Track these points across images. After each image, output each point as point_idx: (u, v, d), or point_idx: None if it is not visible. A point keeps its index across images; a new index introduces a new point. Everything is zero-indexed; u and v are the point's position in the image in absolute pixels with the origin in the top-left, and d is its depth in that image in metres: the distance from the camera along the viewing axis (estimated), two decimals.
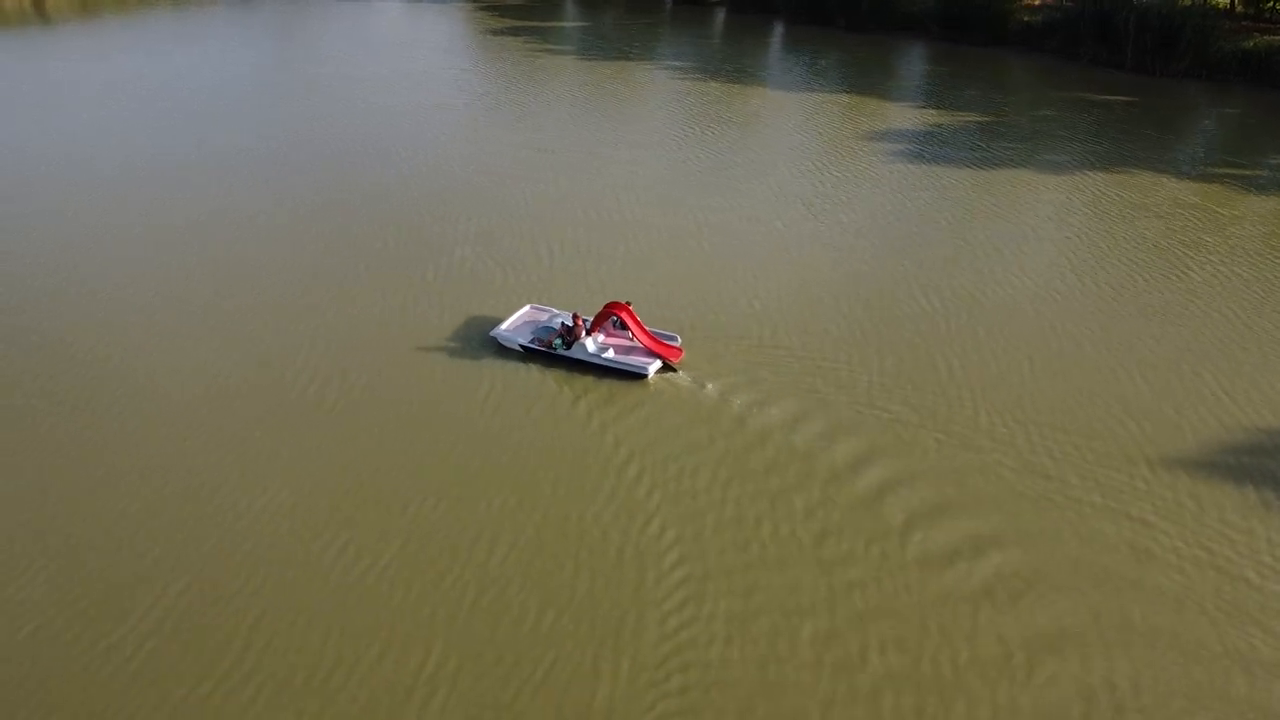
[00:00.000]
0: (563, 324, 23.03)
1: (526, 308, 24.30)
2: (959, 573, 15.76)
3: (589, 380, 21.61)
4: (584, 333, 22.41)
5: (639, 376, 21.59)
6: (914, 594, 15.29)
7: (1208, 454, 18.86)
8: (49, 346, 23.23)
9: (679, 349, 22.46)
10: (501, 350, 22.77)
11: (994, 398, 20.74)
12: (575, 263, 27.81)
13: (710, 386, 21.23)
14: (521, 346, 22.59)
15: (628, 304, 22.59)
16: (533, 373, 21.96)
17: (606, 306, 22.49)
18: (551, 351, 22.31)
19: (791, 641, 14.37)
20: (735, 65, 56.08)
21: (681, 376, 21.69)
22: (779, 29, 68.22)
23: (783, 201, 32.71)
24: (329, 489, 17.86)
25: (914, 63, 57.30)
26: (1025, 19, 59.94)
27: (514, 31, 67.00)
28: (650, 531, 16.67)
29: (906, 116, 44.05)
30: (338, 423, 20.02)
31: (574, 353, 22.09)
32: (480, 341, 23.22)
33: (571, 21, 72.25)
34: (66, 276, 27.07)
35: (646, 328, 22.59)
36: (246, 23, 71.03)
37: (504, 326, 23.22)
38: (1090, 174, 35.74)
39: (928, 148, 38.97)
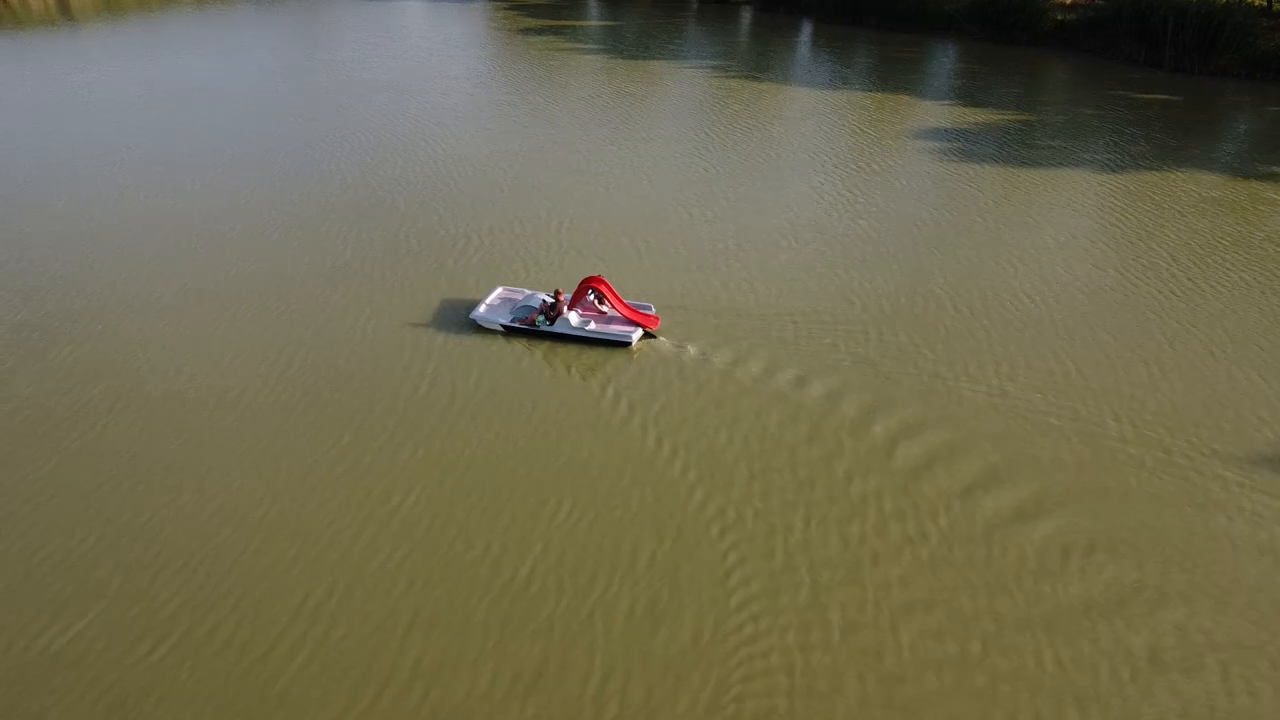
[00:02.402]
0: (544, 301, 23.47)
1: (499, 289, 24.69)
2: (1080, 574, 15.31)
3: (579, 353, 22.19)
4: (565, 308, 22.92)
5: (623, 345, 22.21)
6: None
7: None
8: (53, 347, 22.67)
9: (656, 317, 23.29)
10: (481, 331, 23.13)
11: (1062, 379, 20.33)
12: (561, 246, 27.82)
13: (691, 349, 22.19)
14: (503, 326, 23.00)
15: (602, 277, 23.18)
16: (522, 351, 22.31)
17: (584, 281, 23.01)
18: (535, 329, 22.75)
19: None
20: (764, 65, 55.64)
21: (663, 341, 22.49)
22: (808, 28, 67.86)
23: (815, 192, 32.35)
24: (446, 492, 17.28)
25: (949, 62, 56.94)
26: (1059, 18, 59.74)
27: (536, 31, 66.46)
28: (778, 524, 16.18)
29: (947, 114, 43.64)
30: (403, 421, 19.44)
31: (558, 328, 22.68)
32: (460, 324, 23.48)
33: (595, 21, 71.77)
34: (70, 278, 26.48)
35: (623, 299, 23.36)
36: (266, 22, 70.33)
37: (481, 309, 23.54)
38: (1156, 170, 35.34)
39: (974, 144, 38.55)
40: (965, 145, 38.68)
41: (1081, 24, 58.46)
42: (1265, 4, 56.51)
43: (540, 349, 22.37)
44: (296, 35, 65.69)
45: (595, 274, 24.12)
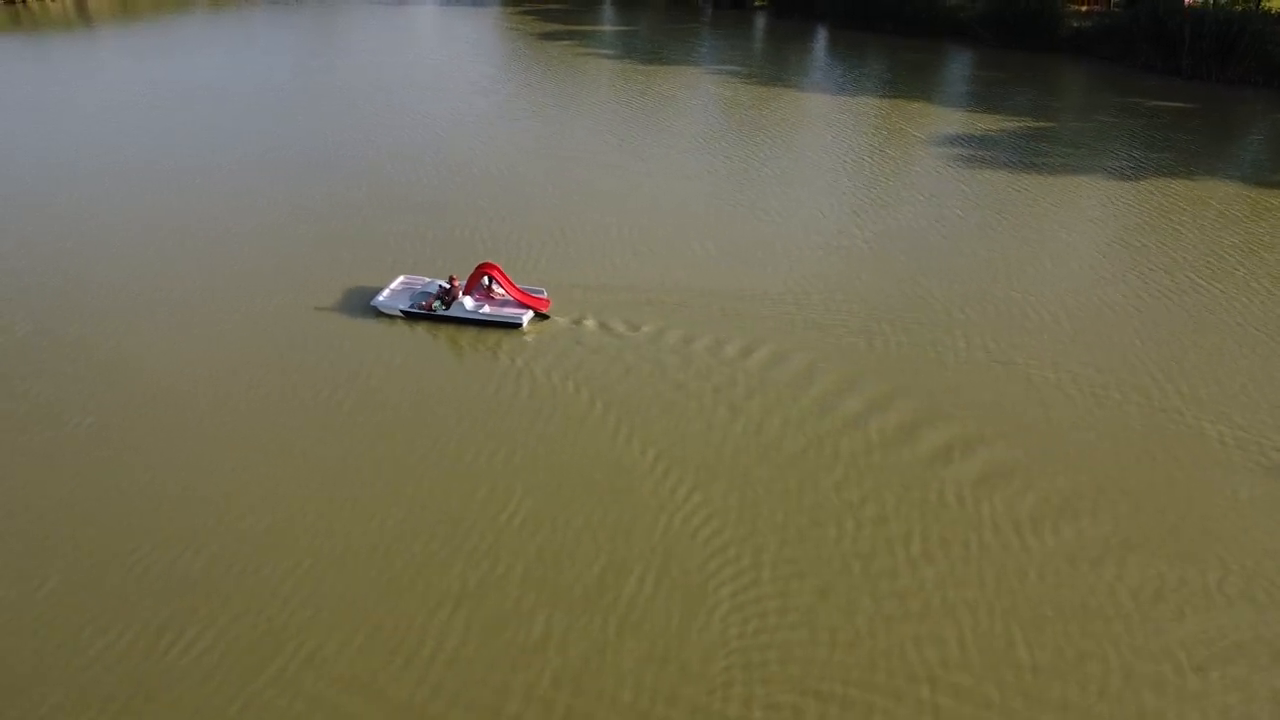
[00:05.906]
0: (440, 287, 24.30)
1: (400, 278, 25.55)
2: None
3: (478, 334, 23.19)
4: (461, 293, 23.93)
5: (515, 326, 23.34)
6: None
7: None
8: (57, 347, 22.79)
9: (547, 300, 24.36)
10: (382, 316, 23.97)
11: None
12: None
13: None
14: (403, 312, 23.87)
15: (495, 264, 24.13)
16: (425, 336, 23.23)
17: (479, 267, 24.03)
18: (432, 313, 23.58)
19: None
20: (786, 69, 55.87)
21: (559, 320, 23.73)
22: (823, 34, 68.13)
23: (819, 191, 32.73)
24: (520, 498, 17.44)
25: (967, 68, 57.31)
26: (1075, 25, 60.19)
27: (554, 35, 66.55)
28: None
29: (974, 120, 43.91)
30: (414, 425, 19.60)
31: (453, 311, 23.65)
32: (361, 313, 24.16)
33: (610, 25, 71.90)
34: (88, 276, 26.65)
35: (515, 284, 24.48)
36: (282, 23, 70.24)
37: (383, 296, 24.41)
38: (1197, 175, 35.61)
39: (1005, 150, 38.81)
40: (998, 151, 38.92)
41: (1097, 30, 58.89)
42: None
43: (445, 333, 23.25)
44: (315, 37, 65.60)
45: (489, 260, 25.39)
